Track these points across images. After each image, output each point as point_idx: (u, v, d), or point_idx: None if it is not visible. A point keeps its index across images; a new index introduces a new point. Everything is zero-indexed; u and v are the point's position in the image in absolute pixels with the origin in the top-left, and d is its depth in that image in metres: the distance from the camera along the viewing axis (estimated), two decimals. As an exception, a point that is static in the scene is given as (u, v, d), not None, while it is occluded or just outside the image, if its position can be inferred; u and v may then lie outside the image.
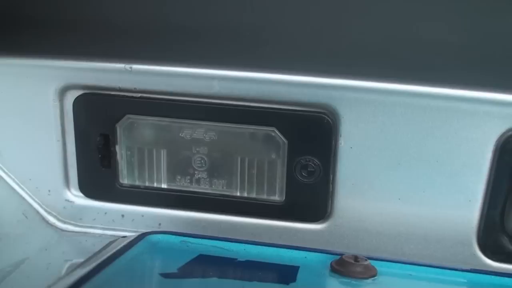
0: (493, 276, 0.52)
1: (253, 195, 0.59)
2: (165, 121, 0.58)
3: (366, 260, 0.50)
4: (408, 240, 0.57)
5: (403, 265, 0.52)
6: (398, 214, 0.57)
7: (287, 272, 0.49)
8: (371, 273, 0.49)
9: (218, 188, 0.59)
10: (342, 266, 0.49)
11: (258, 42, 0.55)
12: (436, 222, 0.57)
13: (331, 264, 0.50)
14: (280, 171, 0.58)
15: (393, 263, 0.52)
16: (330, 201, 0.58)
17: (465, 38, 0.53)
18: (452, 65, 0.54)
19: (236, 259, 0.51)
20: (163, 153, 0.59)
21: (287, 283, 0.46)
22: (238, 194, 0.59)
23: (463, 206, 0.56)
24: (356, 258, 0.50)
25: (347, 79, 0.55)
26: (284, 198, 0.58)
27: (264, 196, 0.59)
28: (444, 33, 0.53)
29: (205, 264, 0.50)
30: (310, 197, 0.58)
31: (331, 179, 0.57)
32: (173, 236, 0.54)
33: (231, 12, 0.55)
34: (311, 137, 0.56)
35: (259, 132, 0.57)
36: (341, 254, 0.51)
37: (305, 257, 0.52)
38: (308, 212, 0.58)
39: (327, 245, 0.58)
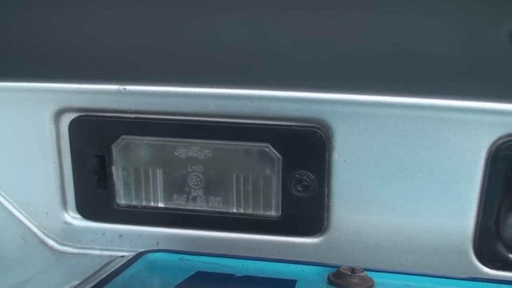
0: (490, 284, 0.53)
1: (250, 211, 0.59)
2: (160, 140, 0.59)
3: (363, 271, 0.50)
4: (405, 250, 0.58)
5: (400, 275, 0.52)
6: (394, 225, 0.57)
7: (285, 286, 0.49)
8: (368, 285, 0.49)
9: (214, 205, 0.60)
10: (339, 278, 0.50)
11: (250, 59, 0.56)
12: (432, 232, 0.57)
13: (328, 276, 0.50)
14: (276, 186, 0.58)
15: (390, 274, 0.52)
16: (326, 215, 0.58)
17: (454, 49, 0.54)
18: (442, 76, 0.54)
19: (234, 274, 0.51)
20: (159, 173, 0.60)
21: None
22: (235, 210, 0.60)
23: (458, 215, 0.56)
24: (353, 270, 0.50)
25: (338, 93, 0.55)
26: (280, 213, 0.59)
27: (260, 212, 0.59)
28: (433, 45, 0.53)
29: (203, 280, 0.50)
30: (306, 211, 0.58)
31: (326, 192, 0.57)
32: (171, 254, 0.54)
33: (222, 30, 0.56)
34: (305, 152, 0.56)
35: (253, 149, 0.57)
36: (338, 267, 0.51)
37: (302, 271, 0.52)
38: (304, 226, 0.59)
39: (324, 259, 0.59)
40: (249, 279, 0.50)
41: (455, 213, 0.56)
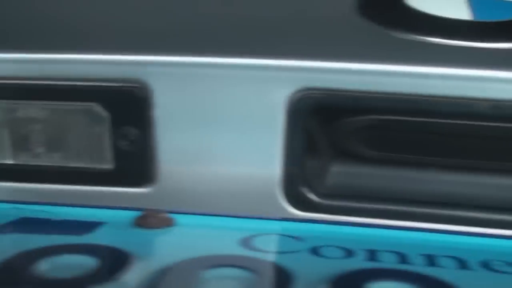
0: (299, 223, 0.59)
1: (85, 165, 0.65)
2: (3, 103, 0.64)
3: (165, 213, 0.56)
4: (223, 197, 0.64)
5: (203, 216, 0.58)
6: (214, 173, 0.64)
7: (90, 227, 0.55)
8: (167, 224, 0.56)
9: (54, 160, 0.65)
10: (142, 219, 0.56)
11: (72, 25, 0.61)
12: (247, 179, 0.63)
13: (134, 219, 0.57)
14: (106, 141, 0.64)
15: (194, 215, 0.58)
16: (154, 166, 0.64)
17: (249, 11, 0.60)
18: (243, 37, 0.60)
19: (51, 219, 0.57)
20: (6, 132, 0.65)
21: (82, 235, 0.53)
22: (72, 164, 0.65)
23: (268, 163, 0.62)
24: (155, 212, 0.56)
25: (156, 55, 0.61)
26: (112, 166, 0.64)
27: (95, 165, 0.65)
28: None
29: (22, 225, 0.56)
30: (135, 164, 0.64)
31: (151, 146, 0.63)
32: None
33: None
34: (129, 110, 0.62)
35: (84, 108, 0.63)
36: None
37: (115, 215, 0.58)
38: (134, 177, 0.65)
39: (155, 206, 0.64)
40: (62, 222, 0.56)
41: (265, 161, 0.63)
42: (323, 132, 0.62)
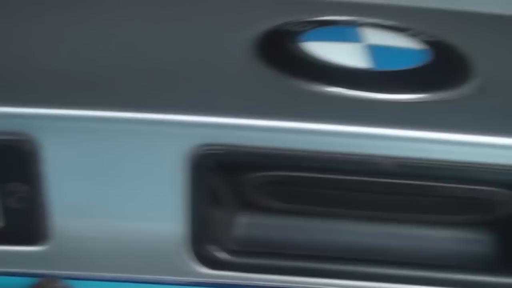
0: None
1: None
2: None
3: (61, 281, 0.52)
4: (127, 255, 0.60)
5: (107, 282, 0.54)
6: (114, 230, 0.60)
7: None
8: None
9: None
10: (38, 288, 0.52)
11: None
12: (152, 237, 0.60)
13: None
14: (-4, 198, 0.59)
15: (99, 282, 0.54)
16: (47, 224, 0.59)
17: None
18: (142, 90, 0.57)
19: None
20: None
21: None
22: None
23: (171, 220, 0.59)
24: (51, 281, 0.52)
25: (44, 108, 0.56)
26: (3, 224, 0.60)
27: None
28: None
29: None
30: (26, 221, 0.59)
31: (44, 203, 0.58)
32: None
33: None
34: (16, 165, 0.57)
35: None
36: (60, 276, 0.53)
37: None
38: (26, 236, 0.60)
39: (51, 267, 0.60)
40: None
41: (168, 218, 0.59)
42: (229, 186, 0.59)
